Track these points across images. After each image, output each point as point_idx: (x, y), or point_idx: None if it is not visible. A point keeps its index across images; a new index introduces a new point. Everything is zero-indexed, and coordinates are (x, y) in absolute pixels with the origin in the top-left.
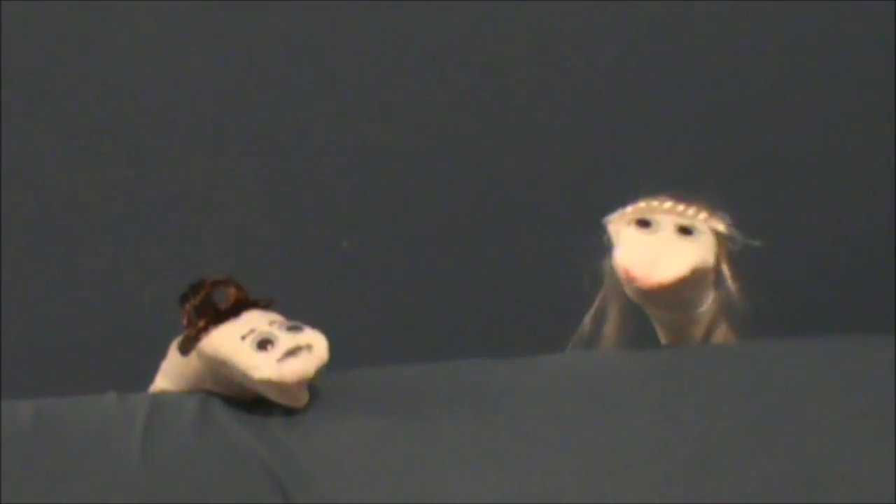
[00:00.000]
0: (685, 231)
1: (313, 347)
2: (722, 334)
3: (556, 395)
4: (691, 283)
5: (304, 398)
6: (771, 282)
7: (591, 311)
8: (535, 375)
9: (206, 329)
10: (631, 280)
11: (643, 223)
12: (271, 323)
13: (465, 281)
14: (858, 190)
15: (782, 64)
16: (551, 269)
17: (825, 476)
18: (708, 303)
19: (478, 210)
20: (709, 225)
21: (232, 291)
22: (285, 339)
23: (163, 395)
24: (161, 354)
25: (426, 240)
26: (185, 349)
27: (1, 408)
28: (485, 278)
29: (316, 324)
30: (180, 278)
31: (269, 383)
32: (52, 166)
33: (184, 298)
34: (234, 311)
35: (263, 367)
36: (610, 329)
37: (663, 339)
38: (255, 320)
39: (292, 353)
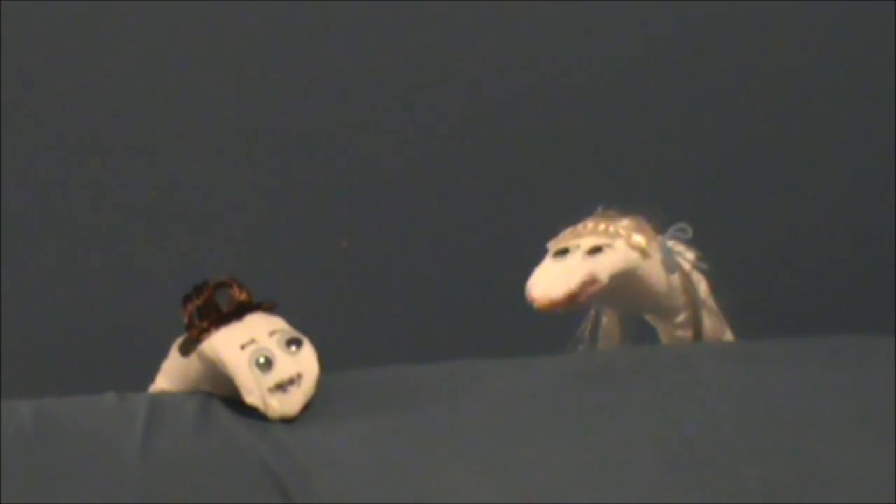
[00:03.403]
0: (596, 250)
1: (303, 378)
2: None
3: (556, 395)
4: (599, 294)
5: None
6: (771, 282)
7: (587, 320)
8: (535, 375)
9: (207, 331)
10: (530, 302)
11: (561, 253)
12: (272, 333)
13: (464, 281)
14: (858, 190)
15: (782, 63)
16: None
17: (825, 476)
18: (685, 311)
19: (478, 210)
20: (628, 241)
21: (235, 293)
22: (280, 364)
23: (163, 395)
24: (161, 354)
25: (426, 240)
26: (186, 350)
27: (1, 408)
28: (485, 278)
29: (316, 324)
30: (180, 278)
31: (256, 408)
32: (52, 166)
33: (186, 299)
34: (236, 313)
35: (254, 393)
36: (608, 329)
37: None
38: (257, 327)
39: (282, 386)
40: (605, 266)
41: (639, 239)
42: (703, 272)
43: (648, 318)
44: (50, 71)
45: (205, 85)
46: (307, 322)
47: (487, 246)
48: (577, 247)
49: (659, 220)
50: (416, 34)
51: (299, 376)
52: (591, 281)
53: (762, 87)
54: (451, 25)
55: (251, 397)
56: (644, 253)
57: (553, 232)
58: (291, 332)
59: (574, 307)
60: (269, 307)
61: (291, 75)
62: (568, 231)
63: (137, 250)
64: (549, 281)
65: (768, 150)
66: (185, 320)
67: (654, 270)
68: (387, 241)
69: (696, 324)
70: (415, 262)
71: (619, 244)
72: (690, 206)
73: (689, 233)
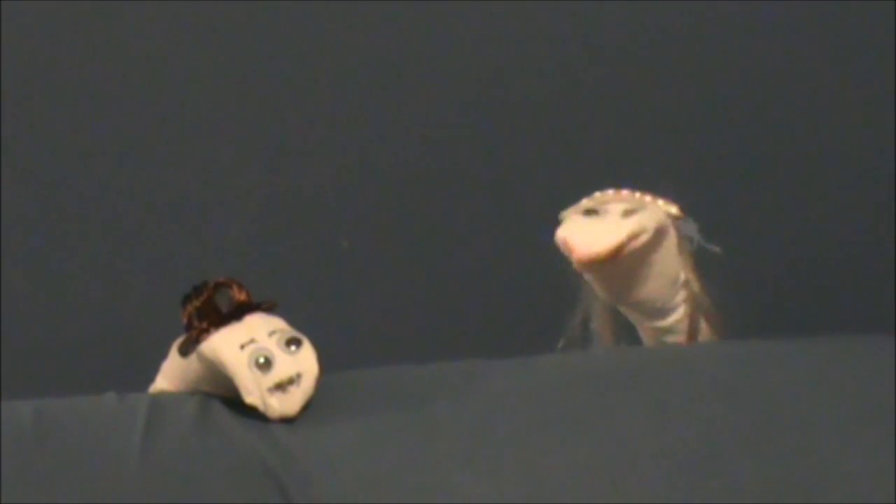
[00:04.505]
0: (630, 213)
1: (302, 378)
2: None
3: (555, 395)
4: (634, 254)
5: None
6: (771, 281)
7: (577, 312)
8: (535, 375)
9: (207, 331)
10: (570, 252)
11: (591, 212)
12: (271, 333)
13: (464, 281)
14: (858, 190)
15: (782, 62)
16: (552, 269)
17: (825, 476)
18: (679, 311)
19: (477, 210)
20: (660, 206)
21: (234, 293)
22: (280, 364)
23: (163, 396)
24: (161, 355)
25: (426, 240)
26: (185, 351)
27: (1, 408)
28: (485, 278)
29: (316, 324)
30: (180, 278)
31: (256, 408)
32: (52, 166)
33: (186, 300)
34: (236, 313)
35: (253, 393)
36: (598, 328)
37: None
38: (257, 327)
39: (281, 386)
40: (650, 218)
41: (668, 205)
42: (707, 270)
43: (634, 320)
44: (50, 71)
45: (205, 85)
46: (307, 322)
47: (487, 246)
48: (607, 211)
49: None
50: (416, 34)
51: (299, 376)
52: (640, 232)
53: (761, 86)
54: (452, 25)
55: (251, 397)
56: (674, 218)
57: (553, 232)
58: (291, 332)
59: (613, 263)
60: (268, 307)
61: (291, 76)
62: (585, 200)
63: (137, 250)
64: (593, 235)
65: (767, 150)
66: (185, 321)
67: (673, 246)
68: (387, 241)
69: (691, 322)
70: (415, 262)
71: (652, 205)
72: (690, 206)
73: (696, 228)
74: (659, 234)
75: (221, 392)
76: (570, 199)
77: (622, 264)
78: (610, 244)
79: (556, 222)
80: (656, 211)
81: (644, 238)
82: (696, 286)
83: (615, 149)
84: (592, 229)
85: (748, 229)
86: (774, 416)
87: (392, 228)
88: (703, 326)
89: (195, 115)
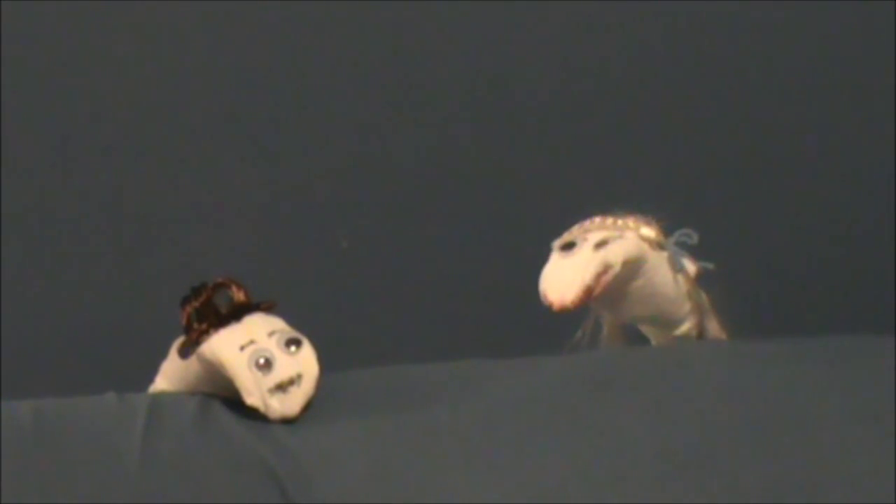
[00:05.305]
0: (602, 245)
1: (303, 378)
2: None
3: (555, 395)
4: (610, 288)
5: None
6: (771, 282)
7: (585, 326)
8: (535, 375)
9: (206, 332)
10: (547, 304)
11: (567, 247)
12: (271, 334)
13: (464, 281)
14: (858, 190)
15: (782, 62)
16: None
17: (825, 476)
18: (689, 321)
19: (477, 210)
20: (637, 232)
21: (234, 294)
22: (280, 365)
23: (163, 396)
24: (161, 355)
25: (426, 240)
26: (185, 353)
27: (1, 408)
28: (485, 278)
29: (316, 324)
30: (180, 278)
31: (256, 409)
32: (52, 167)
33: (185, 301)
34: (235, 314)
35: (254, 394)
36: (608, 336)
37: None
38: (256, 328)
39: (282, 387)
40: (618, 252)
41: (648, 231)
42: (706, 274)
43: (646, 332)
44: (50, 71)
45: (205, 85)
46: (307, 322)
47: (487, 246)
48: (585, 240)
49: (661, 223)
50: (417, 34)
51: (299, 377)
52: (605, 270)
53: (761, 87)
54: (452, 25)
55: (251, 398)
56: (653, 244)
57: (552, 232)
58: (291, 333)
59: (590, 301)
60: (267, 307)
61: (292, 76)
62: (575, 227)
63: (137, 250)
64: (563, 280)
65: (767, 149)
66: (184, 322)
67: (661, 268)
68: (387, 241)
69: (700, 331)
70: (415, 262)
71: (629, 234)
72: (690, 206)
73: (695, 238)
74: (632, 264)
75: (222, 393)
76: (571, 197)
77: (603, 298)
78: (576, 293)
79: (558, 220)
80: (629, 241)
81: (612, 272)
82: (697, 297)
83: (617, 147)
84: (563, 275)
85: (748, 229)
86: (775, 415)
87: (391, 228)
88: (713, 333)
89: (195, 116)
